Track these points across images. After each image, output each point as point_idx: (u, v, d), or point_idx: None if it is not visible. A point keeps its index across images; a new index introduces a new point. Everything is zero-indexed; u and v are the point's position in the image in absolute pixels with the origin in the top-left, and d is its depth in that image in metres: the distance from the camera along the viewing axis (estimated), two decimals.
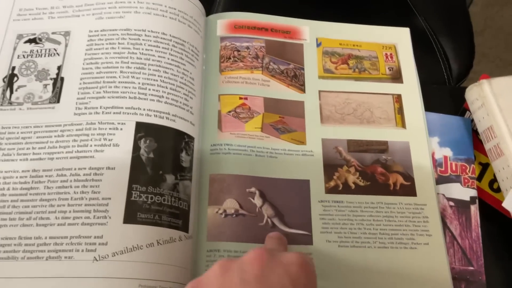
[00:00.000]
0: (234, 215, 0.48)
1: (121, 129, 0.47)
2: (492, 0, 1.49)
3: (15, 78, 0.51)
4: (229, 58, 0.56)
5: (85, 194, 0.44)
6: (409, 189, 0.52)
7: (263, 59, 0.57)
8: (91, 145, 0.46)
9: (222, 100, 0.54)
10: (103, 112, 0.48)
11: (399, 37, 0.61)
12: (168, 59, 0.51)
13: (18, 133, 0.48)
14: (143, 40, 0.51)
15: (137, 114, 0.48)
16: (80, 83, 0.50)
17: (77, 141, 0.47)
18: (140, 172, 0.46)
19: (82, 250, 0.42)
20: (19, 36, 0.53)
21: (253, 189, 0.49)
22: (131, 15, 0.53)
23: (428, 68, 0.76)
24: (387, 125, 0.55)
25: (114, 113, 0.48)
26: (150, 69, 0.50)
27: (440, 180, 0.53)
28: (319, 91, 0.56)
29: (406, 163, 0.53)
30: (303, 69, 0.57)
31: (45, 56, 0.52)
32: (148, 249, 0.43)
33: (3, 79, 0.51)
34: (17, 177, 0.46)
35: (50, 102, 0.49)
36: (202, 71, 0.55)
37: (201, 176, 0.50)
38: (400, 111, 0.56)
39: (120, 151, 0.46)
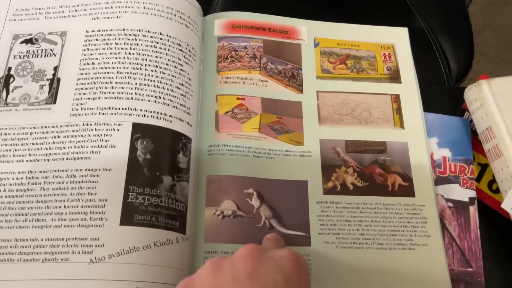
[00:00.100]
0: (231, 217, 0.48)
1: (118, 130, 0.47)
2: None
3: (11, 79, 0.50)
4: (227, 58, 0.56)
5: (82, 195, 0.44)
6: (407, 190, 0.51)
7: (260, 59, 0.57)
8: (87, 146, 0.46)
9: (219, 100, 0.53)
10: (99, 113, 0.47)
11: (398, 37, 0.60)
12: (165, 59, 0.51)
13: (14, 134, 0.48)
14: (140, 40, 0.51)
15: (134, 115, 0.47)
16: (77, 84, 0.49)
17: (73, 142, 0.46)
18: (137, 173, 0.45)
19: (79, 252, 0.42)
20: (15, 37, 0.53)
21: (250, 190, 0.49)
22: (128, 15, 0.52)
23: (427, 68, 0.76)
24: (385, 125, 0.55)
25: (110, 114, 0.47)
26: (147, 70, 0.50)
27: (439, 181, 0.52)
28: (317, 92, 0.56)
29: (405, 163, 0.53)
30: (301, 69, 0.57)
31: (41, 56, 0.51)
32: (145, 251, 0.43)
33: None
34: (13, 179, 0.46)
35: (46, 103, 0.49)
36: (199, 71, 0.54)
37: (198, 177, 0.49)
38: (398, 111, 0.56)
39: (116, 152, 0.46)
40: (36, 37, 0.52)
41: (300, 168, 0.51)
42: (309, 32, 0.59)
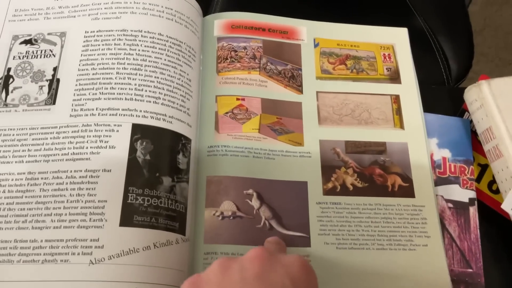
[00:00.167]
0: (231, 217, 0.48)
1: (117, 131, 0.47)
2: None
3: (11, 80, 0.50)
4: (226, 59, 0.56)
5: (81, 196, 0.44)
6: (407, 191, 0.51)
7: (260, 59, 0.56)
8: (87, 147, 0.46)
9: (219, 101, 0.53)
10: (99, 113, 0.47)
11: (397, 37, 0.60)
12: (165, 60, 0.51)
13: (13, 135, 0.47)
14: (140, 41, 0.51)
15: (133, 115, 0.47)
16: (76, 85, 0.49)
17: (73, 143, 0.46)
18: (137, 174, 0.45)
19: (78, 253, 0.42)
20: (15, 37, 0.53)
21: (250, 191, 0.49)
22: (127, 15, 0.52)
23: (427, 68, 0.76)
24: (385, 126, 0.55)
25: (110, 114, 0.47)
26: (146, 70, 0.50)
27: (439, 181, 0.52)
28: (317, 92, 0.56)
29: (405, 164, 0.53)
30: (300, 69, 0.57)
31: (41, 57, 0.51)
32: (144, 252, 0.43)
33: None
34: (12, 180, 0.45)
35: (46, 104, 0.49)
36: (199, 72, 0.54)
37: (198, 178, 0.49)
38: (398, 111, 0.55)
39: (116, 153, 0.46)
40: (36, 37, 0.52)
41: (300, 168, 0.51)
42: (308, 33, 0.59)
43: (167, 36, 0.52)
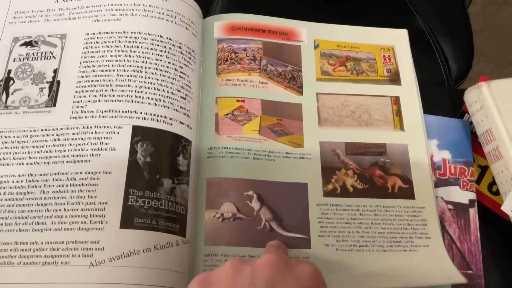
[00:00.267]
0: (231, 219, 0.48)
1: (118, 132, 0.47)
2: None
3: (11, 82, 0.50)
4: (226, 60, 0.56)
5: (82, 198, 0.44)
6: (407, 192, 0.51)
7: (260, 61, 0.56)
8: (87, 149, 0.46)
9: (219, 102, 0.53)
10: (99, 115, 0.47)
11: (397, 39, 0.60)
12: (165, 62, 0.51)
13: (14, 137, 0.48)
14: (140, 43, 0.51)
15: (133, 117, 0.47)
16: (77, 87, 0.49)
17: (73, 145, 0.46)
18: (137, 176, 0.45)
19: (79, 255, 0.42)
20: (15, 39, 0.53)
21: (250, 193, 0.49)
22: (127, 17, 0.52)
23: (427, 68, 0.76)
24: (385, 127, 0.55)
25: (110, 116, 0.47)
26: (147, 72, 0.50)
27: (439, 183, 0.52)
28: (317, 94, 0.56)
29: (405, 165, 0.53)
30: (300, 71, 0.57)
31: (41, 59, 0.51)
32: (145, 254, 0.43)
33: None
34: (13, 182, 0.45)
35: (46, 106, 0.49)
36: (199, 73, 0.54)
37: (198, 180, 0.49)
38: (398, 113, 0.56)
39: (116, 155, 0.46)
40: (36, 39, 0.52)
41: (300, 170, 0.51)
42: (309, 34, 0.59)
43: (167, 38, 0.52)
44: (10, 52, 0.52)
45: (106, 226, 0.43)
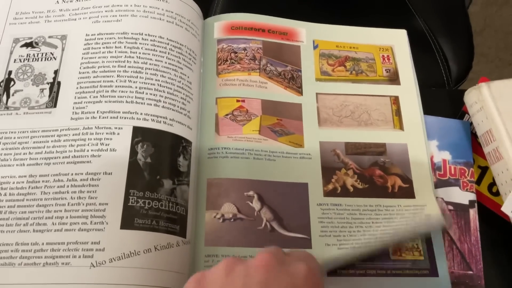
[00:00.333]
0: (232, 220, 0.48)
1: (118, 133, 0.47)
2: None
3: (12, 83, 0.51)
4: (226, 60, 0.56)
5: (82, 199, 0.44)
6: (407, 191, 0.51)
7: (260, 60, 0.57)
8: (88, 150, 0.46)
9: (219, 103, 0.53)
10: (100, 116, 0.48)
11: (396, 39, 0.60)
12: (166, 63, 0.51)
13: (14, 138, 0.48)
14: (140, 43, 0.51)
15: (134, 118, 0.47)
16: (77, 88, 0.49)
17: (74, 146, 0.46)
18: (137, 177, 0.45)
19: (79, 256, 0.42)
20: (16, 40, 0.53)
21: (251, 193, 0.49)
22: (128, 18, 0.52)
23: (427, 69, 0.76)
24: (384, 127, 0.55)
25: (111, 117, 0.47)
26: (147, 73, 0.50)
27: (439, 183, 0.52)
28: (317, 94, 0.56)
29: (404, 165, 0.53)
30: (300, 71, 0.57)
31: (41, 60, 0.51)
32: (145, 254, 0.43)
33: (0, 84, 0.50)
34: (13, 183, 0.46)
35: (47, 107, 0.49)
36: (199, 74, 0.54)
37: (199, 181, 0.49)
38: (397, 113, 0.56)
39: (117, 156, 0.46)
40: (37, 40, 0.53)
41: (301, 170, 0.51)
42: (308, 34, 0.59)
43: (167, 39, 0.52)
44: (11, 53, 0.52)
45: (106, 227, 0.43)
